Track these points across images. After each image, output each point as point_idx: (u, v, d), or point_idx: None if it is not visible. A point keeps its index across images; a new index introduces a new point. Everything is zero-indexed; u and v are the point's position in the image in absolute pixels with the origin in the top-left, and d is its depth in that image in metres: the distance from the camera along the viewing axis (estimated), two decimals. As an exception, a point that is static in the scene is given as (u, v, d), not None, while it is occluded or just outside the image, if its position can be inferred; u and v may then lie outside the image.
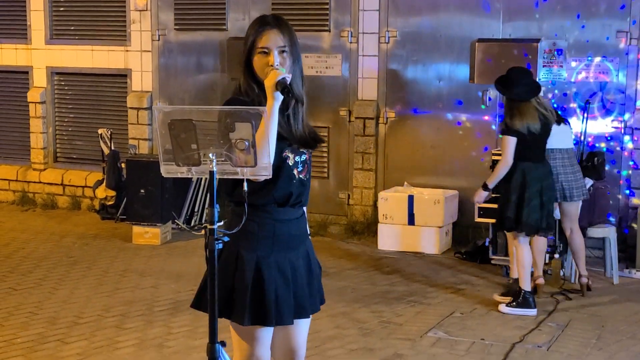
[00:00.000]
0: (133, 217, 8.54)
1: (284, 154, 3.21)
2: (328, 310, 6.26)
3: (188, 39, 9.62)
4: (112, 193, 9.44)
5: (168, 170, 2.74)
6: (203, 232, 2.83)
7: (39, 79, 10.34)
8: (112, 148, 9.48)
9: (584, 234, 7.24)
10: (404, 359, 5.22)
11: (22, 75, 10.48)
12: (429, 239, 8.26)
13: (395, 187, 8.73)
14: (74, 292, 6.67)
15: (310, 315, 3.48)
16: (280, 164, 3.19)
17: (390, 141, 8.96)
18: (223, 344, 2.85)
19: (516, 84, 6.24)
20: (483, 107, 8.42)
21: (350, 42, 8.96)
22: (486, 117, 8.49)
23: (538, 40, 8.14)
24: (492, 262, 7.45)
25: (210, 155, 2.71)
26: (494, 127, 8.45)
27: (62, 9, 10.19)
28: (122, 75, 9.98)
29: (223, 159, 2.71)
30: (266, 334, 3.32)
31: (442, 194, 8.31)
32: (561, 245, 7.20)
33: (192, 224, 9.16)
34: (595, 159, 7.38)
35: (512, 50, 8.19)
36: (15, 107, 10.57)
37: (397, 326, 5.89)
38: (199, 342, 5.49)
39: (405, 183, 8.76)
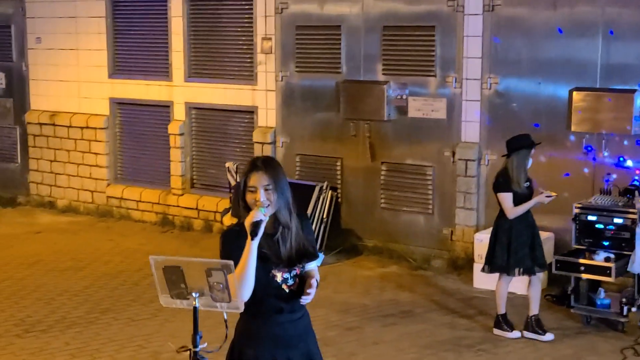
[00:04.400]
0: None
1: (271, 273, 3.89)
2: (397, 356, 6.87)
3: (307, 80, 10.40)
4: (237, 221, 10.36)
5: (166, 301, 3.51)
6: (188, 353, 3.56)
7: (179, 113, 11.44)
8: (238, 180, 10.41)
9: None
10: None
11: (164, 109, 11.62)
12: (522, 280, 8.61)
13: (494, 228, 9.14)
14: (183, 326, 7.57)
15: None
16: (267, 282, 3.87)
17: (491, 182, 9.36)
18: None
19: None
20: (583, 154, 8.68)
21: (455, 87, 9.43)
22: (586, 170, 8.73)
23: (634, 91, 8.33)
24: (572, 310, 7.77)
25: (193, 294, 3.44)
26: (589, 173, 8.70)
27: (199, 50, 11.22)
28: (250, 112, 10.90)
29: (205, 296, 3.43)
30: None
31: (537, 237, 8.64)
32: (640, 298, 7.45)
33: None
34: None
35: (606, 99, 8.44)
36: (159, 137, 11.73)
37: (455, 378, 6.43)
38: None
39: (503, 223, 9.14)
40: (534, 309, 7.44)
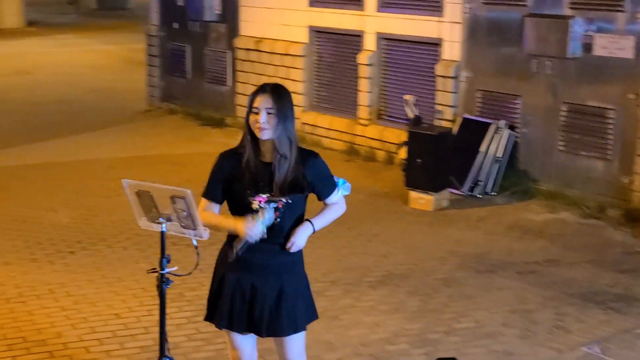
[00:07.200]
0: (411, 183, 9.34)
1: (248, 199, 3.88)
2: (515, 305, 6.58)
3: (493, 12, 9.96)
4: (413, 155, 10.26)
5: (144, 224, 3.62)
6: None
7: (369, 43, 11.42)
8: (416, 114, 10.27)
9: None
10: (534, 370, 5.47)
11: (356, 38, 11.64)
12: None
13: (673, 179, 8.39)
14: (320, 251, 7.66)
15: (289, 334, 4.08)
16: (244, 206, 3.89)
17: (677, 130, 8.56)
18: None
19: None
20: None
21: (645, 24, 8.65)
22: None
23: None
24: None
25: (160, 219, 3.51)
26: None
27: (390, -21, 11.11)
28: (435, 44, 10.64)
29: (172, 222, 3.49)
30: (236, 338, 4.08)
31: None
32: None
33: (474, 192, 9.68)
34: None
35: None
36: (350, 67, 11.79)
37: (563, 333, 6.04)
38: (369, 318, 6.22)
39: (685, 176, 8.36)
40: None
